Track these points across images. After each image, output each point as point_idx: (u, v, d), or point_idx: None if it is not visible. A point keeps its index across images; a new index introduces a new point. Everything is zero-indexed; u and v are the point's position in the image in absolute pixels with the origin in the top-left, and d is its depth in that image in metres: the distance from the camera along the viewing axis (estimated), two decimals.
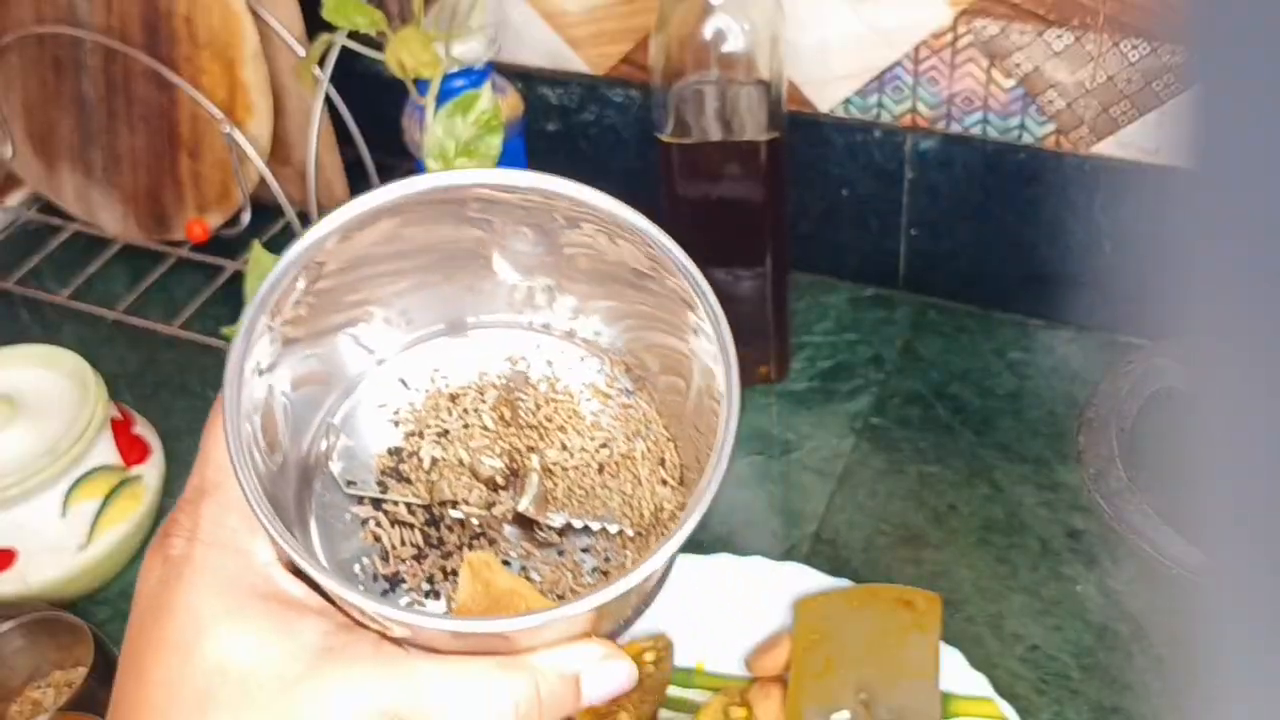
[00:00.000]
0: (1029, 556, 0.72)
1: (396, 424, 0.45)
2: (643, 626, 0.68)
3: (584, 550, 0.44)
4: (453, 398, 0.45)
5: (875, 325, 0.87)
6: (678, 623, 0.68)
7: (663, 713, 0.65)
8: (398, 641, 0.38)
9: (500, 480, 0.44)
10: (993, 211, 0.83)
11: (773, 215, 0.76)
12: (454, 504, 0.44)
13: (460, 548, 0.44)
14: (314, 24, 0.81)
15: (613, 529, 0.44)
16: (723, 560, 0.70)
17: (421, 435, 0.45)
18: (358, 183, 0.90)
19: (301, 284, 0.40)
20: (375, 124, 0.89)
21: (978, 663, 0.65)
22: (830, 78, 0.83)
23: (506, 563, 0.43)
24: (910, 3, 0.79)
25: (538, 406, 0.45)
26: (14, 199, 1.04)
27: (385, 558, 0.43)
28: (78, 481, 0.73)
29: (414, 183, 0.40)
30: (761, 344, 0.81)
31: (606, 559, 0.44)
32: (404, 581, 0.43)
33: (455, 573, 0.43)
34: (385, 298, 0.44)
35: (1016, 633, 0.68)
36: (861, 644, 0.64)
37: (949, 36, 0.79)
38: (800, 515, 0.75)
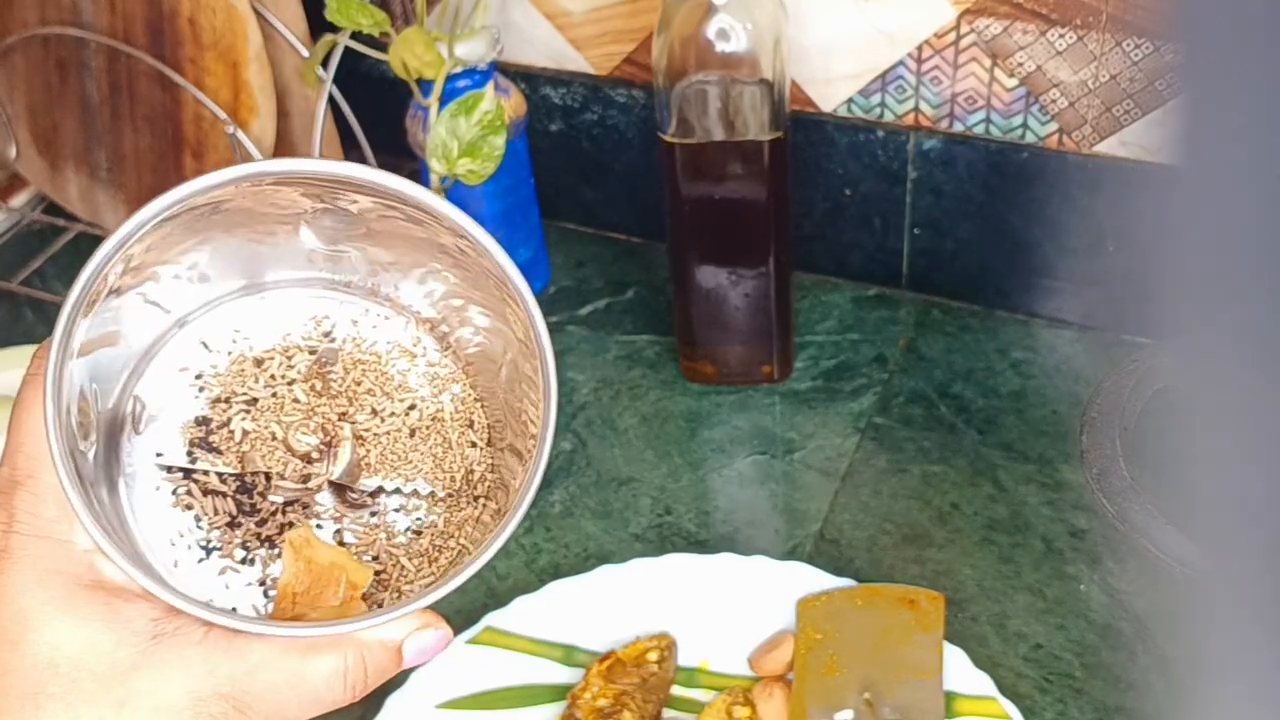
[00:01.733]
0: (1032, 556, 0.72)
1: (201, 389, 0.44)
2: (647, 626, 0.68)
3: (396, 510, 0.45)
4: (258, 362, 0.45)
5: (878, 324, 0.87)
6: (681, 622, 0.68)
7: (666, 712, 0.65)
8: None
9: (315, 454, 0.44)
10: (995, 211, 0.83)
11: (776, 215, 0.76)
12: (268, 477, 0.44)
13: (274, 514, 0.44)
14: (317, 25, 0.81)
15: (424, 490, 0.45)
16: (726, 560, 0.70)
17: (229, 403, 0.44)
18: None
19: (116, 272, 0.40)
20: (379, 125, 0.89)
21: (981, 662, 0.65)
22: (833, 77, 0.83)
23: (320, 527, 0.44)
24: (913, 2, 0.79)
25: (346, 370, 0.45)
26: (18, 200, 1.04)
27: (199, 526, 0.43)
28: None
29: (234, 170, 0.40)
30: (764, 343, 0.81)
31: (419, 519, 0.45)
32: (219, 549, 0.43)
33: (270, 539, 0.44)
34: (175, 256, 0.44)
35: (1020, 632, 0.68)
36: (865, 643, 0.64)
37: (951, 36, 0.79)
38: (803, 515, 0.75)
